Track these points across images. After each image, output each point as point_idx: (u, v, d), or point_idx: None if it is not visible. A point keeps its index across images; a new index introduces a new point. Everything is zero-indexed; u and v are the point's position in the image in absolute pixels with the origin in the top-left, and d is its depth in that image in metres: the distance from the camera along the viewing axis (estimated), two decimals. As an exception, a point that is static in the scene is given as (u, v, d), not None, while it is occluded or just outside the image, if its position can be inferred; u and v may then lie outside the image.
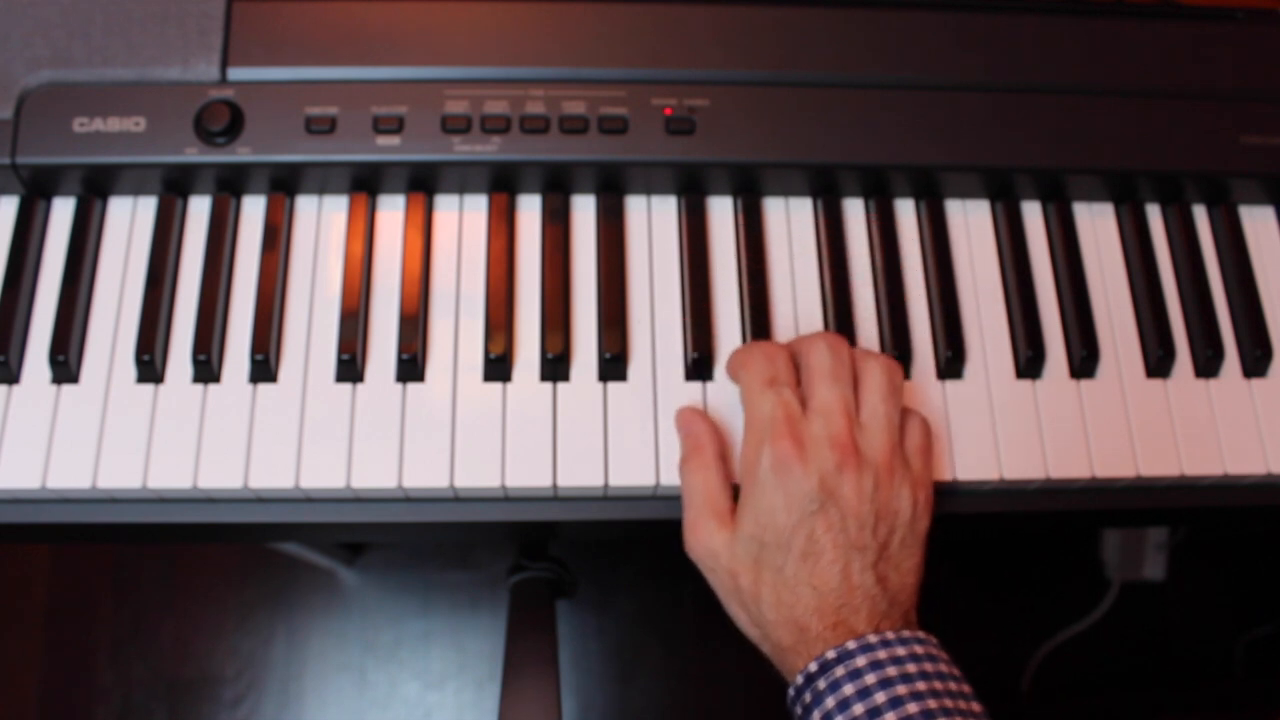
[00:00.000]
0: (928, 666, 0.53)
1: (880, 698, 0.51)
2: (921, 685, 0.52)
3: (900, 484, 0.58)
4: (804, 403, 0.59)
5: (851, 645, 0.53)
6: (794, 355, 0.61)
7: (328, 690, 1.43)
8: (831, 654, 0.53)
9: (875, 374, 0.59)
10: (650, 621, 1.46)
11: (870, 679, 0.52)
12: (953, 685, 0.53)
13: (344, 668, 1.44)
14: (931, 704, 0.51)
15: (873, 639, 0.53)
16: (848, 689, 0.52)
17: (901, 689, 0.51)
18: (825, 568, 0.55)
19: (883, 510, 0.57)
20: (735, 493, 0.60)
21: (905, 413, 0.61)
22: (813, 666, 0.54)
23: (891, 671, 0.52)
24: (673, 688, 1.45)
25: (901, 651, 0.53)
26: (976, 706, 0.54)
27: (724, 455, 0.61)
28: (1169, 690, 1.44)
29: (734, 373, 0.63)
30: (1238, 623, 1.47)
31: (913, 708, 0.51)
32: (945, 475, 0.64)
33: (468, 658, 1.44)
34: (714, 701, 1.44)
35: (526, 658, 0.85)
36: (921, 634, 0.55)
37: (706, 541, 0.58)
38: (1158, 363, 0.68)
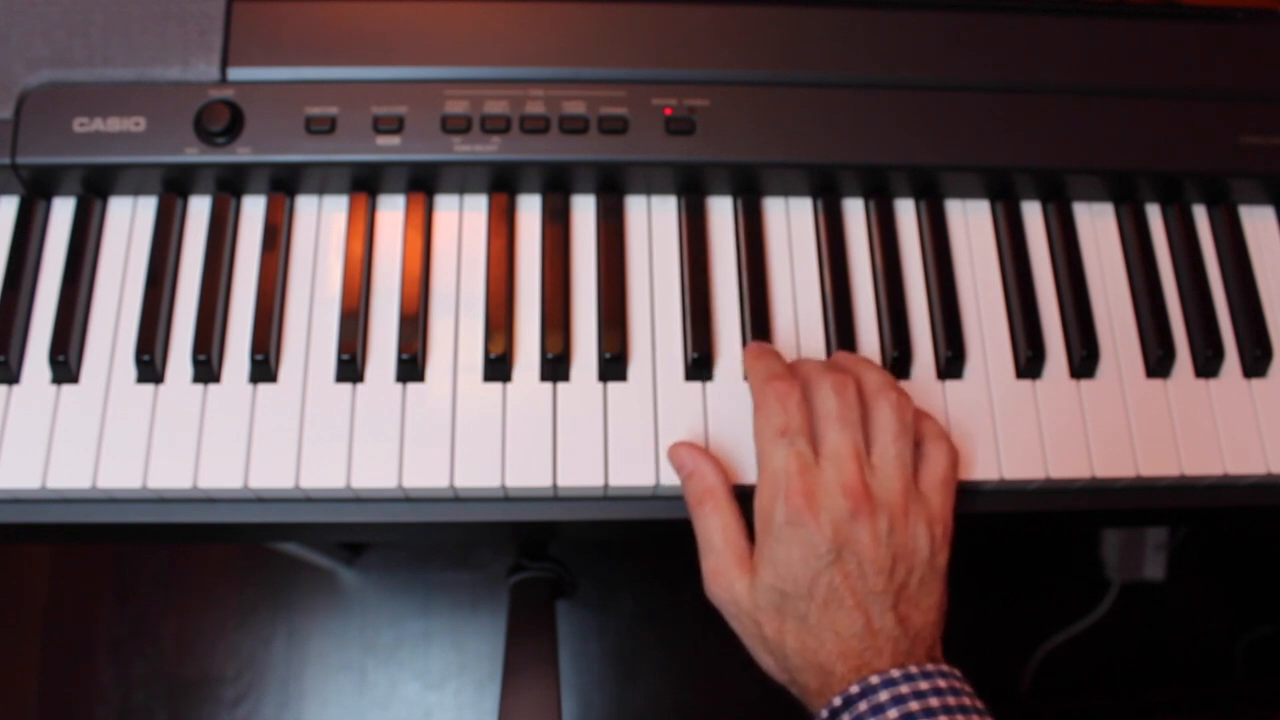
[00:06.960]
0: (950, 700, 0.53)
1: None
2: (943, 719, 0.52)
3: (916, 522, 0.57)
4: (815, 447, 0.58)
5: (874, 680, 0.54)
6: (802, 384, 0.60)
7: (328, 690, 1.43)
8: (855, 688, 0.54)
9: (884, 413, 0.59)
10: (650, 621, 1.46)
11: (893, 714, 0.52)
12: (975, 718, 0.53)
13: (344, 668, 1.44)
14: None
15: (895, 673, 0.54)
16: None
17: None
18: (847, 614, 0.55)
19: (900, 552, 0.56)
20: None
21: (931, 442, 0.60)
22: (836, 701, 0.54)
23: (914, 706, 0.52)
24: (673, 688, 1.44)
25: (924, 685, 0.53)
26: None
27: (731, 488, 0.60)
28: (1169, 690, 1.44)
29: (749, 379, 0.62)
30: (1238, 623, 1.47)
31: None
32: (945, 475, 0.64)
33: (468, 658, 1.44)
34: (714, 701, 1.44)
35: (526, 658, 0.85)
36: (945, 667, 0.55)
37: (730, 588, 0.58)
38: (1158, 363, 0.68)
